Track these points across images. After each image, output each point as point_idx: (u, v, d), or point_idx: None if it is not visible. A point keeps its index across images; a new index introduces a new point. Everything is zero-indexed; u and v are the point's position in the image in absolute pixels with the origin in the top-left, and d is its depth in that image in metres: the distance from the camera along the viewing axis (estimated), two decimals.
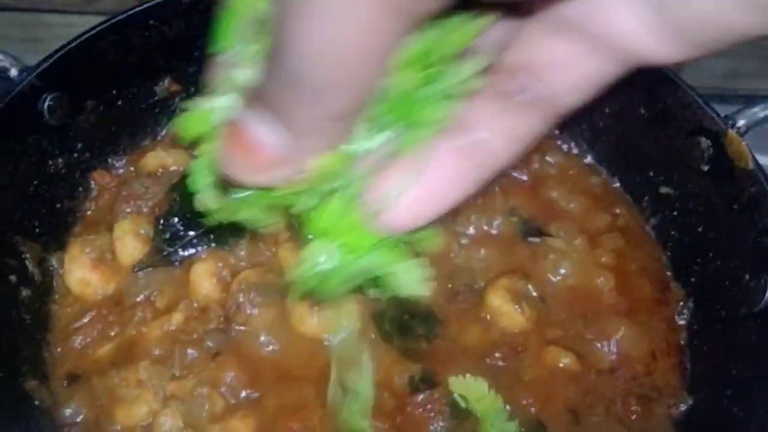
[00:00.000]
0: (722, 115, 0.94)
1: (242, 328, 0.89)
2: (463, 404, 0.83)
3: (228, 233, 0.97)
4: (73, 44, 0.94)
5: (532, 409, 0.85)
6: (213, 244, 0.96)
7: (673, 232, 1.03)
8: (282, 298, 0.90)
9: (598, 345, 0.91)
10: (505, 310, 0.92)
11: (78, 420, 0.80)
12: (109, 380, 0.82)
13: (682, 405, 0.88)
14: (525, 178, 1.11)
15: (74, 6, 1.62)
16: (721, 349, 0.88)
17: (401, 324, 0.90)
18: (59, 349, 0.87)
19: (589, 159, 1.15)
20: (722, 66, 1.85)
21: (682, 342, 0.94)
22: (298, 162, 0.36)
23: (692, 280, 0.98)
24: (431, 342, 0.89)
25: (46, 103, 0.91)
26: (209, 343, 0.86)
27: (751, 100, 1.04)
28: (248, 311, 0.89)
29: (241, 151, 0.36)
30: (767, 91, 1.91)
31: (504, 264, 0.98)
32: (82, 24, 1.62)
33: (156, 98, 1.11)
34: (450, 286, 0.96)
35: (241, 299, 0.89)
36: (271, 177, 0.37)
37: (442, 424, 0.81)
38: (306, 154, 0.36)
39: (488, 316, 0.92)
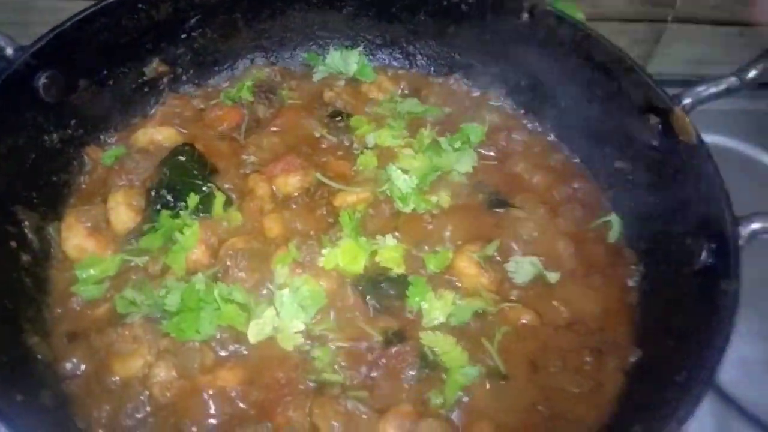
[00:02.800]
0: (670, 94, 1.02)
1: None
2: (431, 356, 0.92)
3: (216, 204, 1.04)
4: (67, 25, 1.00)
5: (495, 362, 0.94)
6: (202, 214, 1.02)
7: (626, 202, 1.12)
8: (265, 263, 0.98)
9: (555, 303, 1.00)
10: (471, 272, 1.00)
11: (78, 373, 0.87)
12: (107, 337, 0.88)
13: (631, 357, 0.96)
14: (492, 154, 1.19)
15: None
16: (665, 306, 0.97)
17: (375, 285, 0.98)
18: (59, 310, 0.93)
19: (551, 137, 1.24)
20: (691, 52, 1.94)
21: (632, 301, 1.03)
22: None
23: (642, 245, 1.07)
24: (402, 300, 0.96)
25: (41, 81, 0.97)
26: None
27: None
28: (235, 274, 0.96)
29: None
30: None
31: (471, 232, 1.07)
32: (71, 9, 1.66)
33: (145, 78, 1.17)
34: (426, 249, 1.04)
35: (228, 263, 0.96)
36: None
37: (412, 373, 0.89)
38: None
39: (456, 279, 1.01)
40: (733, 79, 0.99)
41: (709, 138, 0.99)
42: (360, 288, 0.98)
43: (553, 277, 1.01)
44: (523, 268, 1.02)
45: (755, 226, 0.85)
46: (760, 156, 1.56)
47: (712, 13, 1.85)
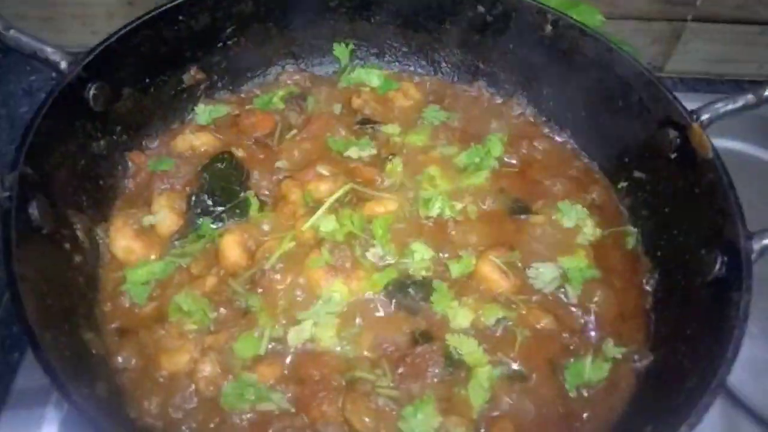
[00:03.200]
0: (689, 109, 1.06)
1: (266, 290, 1.02)
2: (456, 356, 0.98)
3: (251, 209, 1.10)
4: (113, 39, 1.06)
5: (516, 363, 0.99)
6: (239, 218, 1.09)
7: (643, 212, 1.16)
8: (300, 265, 1.04)
9: (573, 309, 1.05)
10: (494, 277, 1.06)
11: (129, 367, 0.93)
12: (155, 333, 0.95)
13: (644, 360, 1.02)
14: (514, 161, 1.24)
15: None
16: (679, 313, 1.02)
17: (402, 288, 1.04)
18: (109, 307, 1.00)
19: (572, 145, 1.28)
20: (710, 51, 1.95)
21: (648, 306, 1.09)
22: None
23: (658, 253, 1.12)
24: (428, 302, 1.02)
25: (91, 92, 1.03)
26: (239, 303, 1.00)
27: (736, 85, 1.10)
28: (271, 276, 1.02)
29: None
30: (753, 75, 2.03)
31: (494, 238, 1.12)
32: (96, 3, 1.73)
33: (183, 85, 1.23)
34: (448, 256, 1.09)
35: (265, 266, 1.02)
36: None
37: (437, 371, 0.95)
38: None
39: (479, 284, 1.06)
40: (750, 96, 1.03)
41: (728, 143, 1.03)
42: (389, 289, 1.04)
43: (573, 283, 1.06)
44: (543, 274, 1.07)
45: (767, 241, 0.89)
46: None
47: (732, 13, 1.87)
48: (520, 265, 1.09)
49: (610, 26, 1.70)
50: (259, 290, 1.01)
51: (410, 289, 1.04)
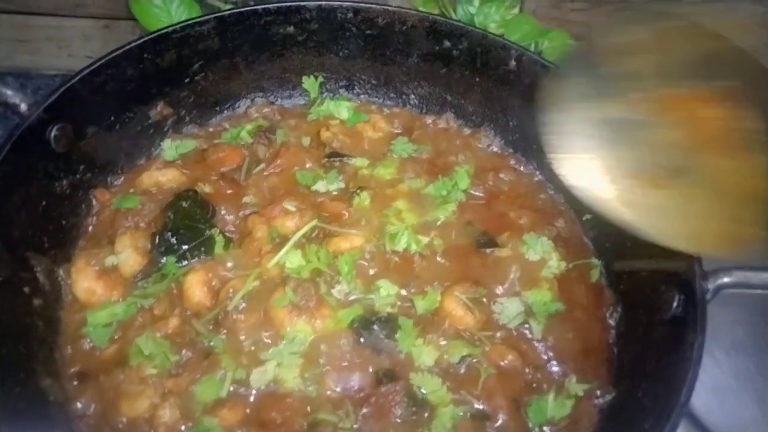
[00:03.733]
0: None
1: (230, 330, 1.01)
2: (419, 396, 0.98)
3: (216, 247, 1.10)
4: (76, 79, 1.06)
5: (480, 401, 0.99)
6: (204, 257, 1.08)
7: (607, 245, 1.18)
8: (264, 305, 1.04)
9: (536, 344, 1.06)
10: (458, 314, 1.06)
11: (88, 413, 0.93)
12: (115, 377, 0.94)
13: (606, 396, 1.02)
14: (480, 194, 1.25)
15: (65, 10, 1.71)
16: (640, 349, 1.03)
17: (368, 325, 1.04)
18: (69, 351, 0.99)
19: (538, 177, 1.30)
20: None
21: (611, 341, 1.09)
22: None
23: (621, 287, 1.13)
24: (393, 340, 1.02)
25: (53, 133, 1.03)
26: (201, 345, 0.99)
27: None
28: (234, 316, 1.02)
29: None
30: None
31: (459, 272, 1.12)
32: (71, 26, 1.73)
33: (150, 121, 1.23)
34: (414, 292, 1.10)
35: (228, 306, 1.02)
36: None
37: (400, 411, 0.95)
38: None
39: (443, 321, 1.06)
40: None
41: None
42: (354, 326, 1.04)
43: (537, 317, 1.07)
44: (508, 308, 1.08)
45: (721, 281, 0.91)
46: None
47: None
48: (485, 300, 1.09)
49: None
50: (223, 331, 1.01)
51: (375, 326, 1.04)
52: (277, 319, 1.02)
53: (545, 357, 1.06)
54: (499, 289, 1.11)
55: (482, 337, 1.05)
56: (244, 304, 1.03)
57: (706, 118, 0.85)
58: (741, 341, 1.40)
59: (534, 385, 1.03)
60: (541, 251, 1.15)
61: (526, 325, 1.08)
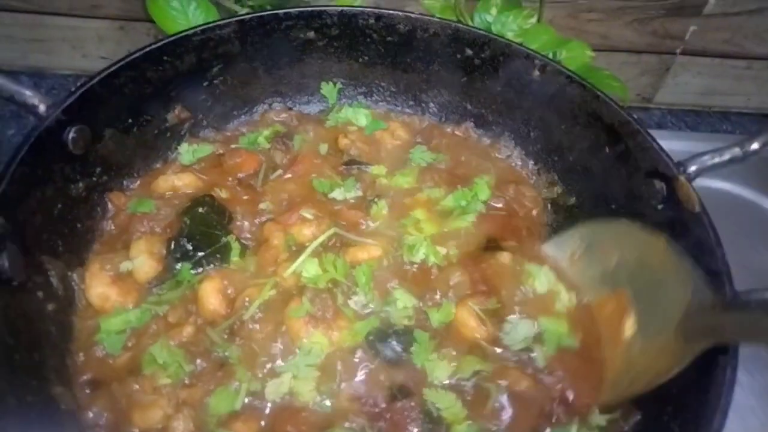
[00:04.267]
0: (675, 161, 1.05)
1: (245, 340, 0.99)
2: (435, 413, 0.95)
3: (232, 254, 1.08)
4: (96, 80, 1.04)
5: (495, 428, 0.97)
6: (219, 264, 1.06)
7: None
8: (281, 313, 1.02)
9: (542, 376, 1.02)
10: (471, 325, 1.04)
11: (100, 423, 0.91)
12: (128, 387, 0.92)
13: (630, 420, 0.99)
14: (500, 205, 1.23)
15: (81, 10, 1.70)
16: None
17: (383, 338, 1.02)
18: (82, 358, 0.97)
19: (558, 189, 1.27)
20: (699, 84, 1.98)
21: None
22: None
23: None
24: (407, 352, 1.00)
25: (70, 135, 1.01)
26: (216, 354, 0.97)
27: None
28: (250, 326, 1.00)
29: None
30: (740, 108, 2.05)
31: (474, 284, 1.10)
32: (86, 27, 1.72)
33: (167, 124, 1.22)
34: (430, 304, 1.07)
35: (244, 316, 1.00)
36: None
37: (416, 429, 0.93)
38: None
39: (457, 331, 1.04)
40: (737, 150, 1.02)
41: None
42: (370, 339, 1.02)
43: (546, 345, 1.04)
44: (516, 330, 1.04)
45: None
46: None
47: (720, 47, 1.90)
48: (498, 314, 1.06)
49: (600, 58, 1.72)
50: (238, 340, 0.99)
51: (391, 339, 1.02)
52: (293, 329, 1.00)
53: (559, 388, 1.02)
54: (515, 307, 1.08)
55: (494, 353, 1.02)
56: (260, 314, 1.01)
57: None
58: (762, 358, 1.37)
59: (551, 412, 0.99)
60: (546, 282, 1.11)
61: (532, 353, 1.03)
